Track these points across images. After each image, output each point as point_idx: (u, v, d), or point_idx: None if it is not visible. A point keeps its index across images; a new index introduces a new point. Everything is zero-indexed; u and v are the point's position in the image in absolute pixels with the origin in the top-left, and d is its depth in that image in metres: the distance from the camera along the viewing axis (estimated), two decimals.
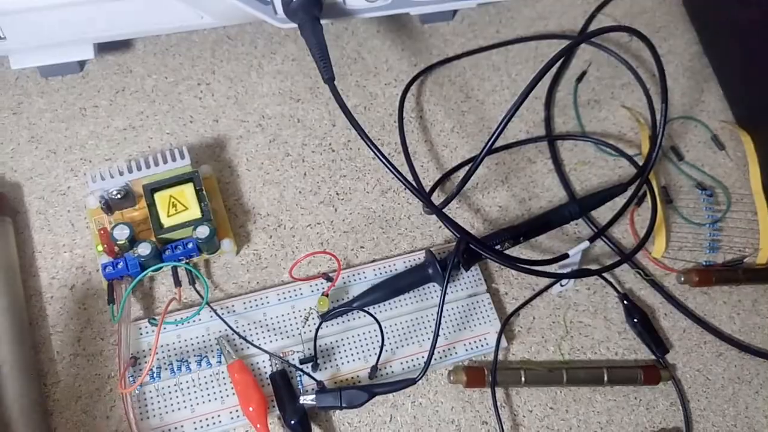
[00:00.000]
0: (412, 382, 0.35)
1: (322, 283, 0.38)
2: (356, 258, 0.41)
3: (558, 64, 0.49)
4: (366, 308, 0.37)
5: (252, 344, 0.36)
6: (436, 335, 0.35)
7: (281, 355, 0.36)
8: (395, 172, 0.35)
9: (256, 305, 0.38)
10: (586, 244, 0.40)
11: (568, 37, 0.50)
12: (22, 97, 0.43)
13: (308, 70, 0.46)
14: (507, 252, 0.40)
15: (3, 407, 0.33)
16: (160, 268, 0.36)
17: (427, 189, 0.42)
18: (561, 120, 0.47)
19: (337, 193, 0.42)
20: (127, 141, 0.42)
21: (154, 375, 0.35)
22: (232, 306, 0.37)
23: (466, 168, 0.44)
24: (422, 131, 0.45)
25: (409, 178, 0.42)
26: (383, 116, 0.45)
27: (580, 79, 0.49)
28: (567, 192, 0.44)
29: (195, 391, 0.35)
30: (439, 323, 0.35)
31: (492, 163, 0.45)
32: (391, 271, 0.40)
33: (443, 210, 0.40)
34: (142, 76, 0.44)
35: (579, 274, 0.40)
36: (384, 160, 0.35)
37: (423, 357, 0.38)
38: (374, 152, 0.35)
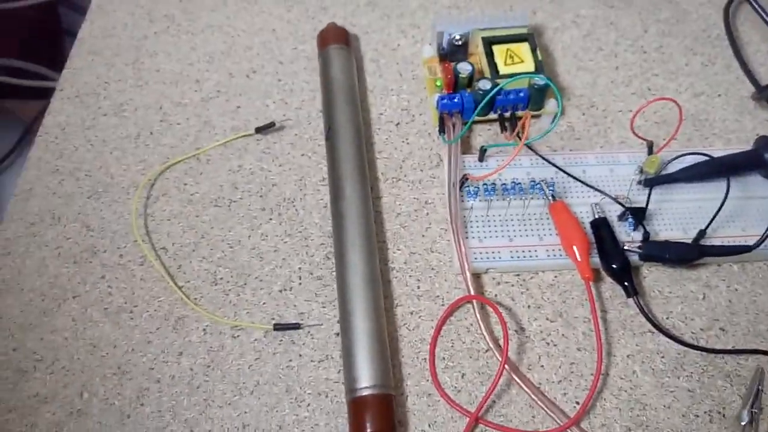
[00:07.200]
0: (747, 249, 0.34)
1: (641, 153, 0.38)
2: (668, 147, 0.40)
3: None
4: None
5: (583, 181, 0.36)
6: None
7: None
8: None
9: (576, 162, 0.38)
10: None
11: None
12: None
13: None
14: None
15: (344, 212, 0.35)
16: (491, 110, 0.38)
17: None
18: None
19: (649, 89, 0.42)
20: (451, 16, 0.45)
21: (487, 190, 0.36)
22: (552, 158, 0.38)
23: None
24: (739, 47, 0.44)
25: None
26: (696, 30, 0.45)
27: None
28: None
29: (515, 223, 0.36)
30: None
31: None
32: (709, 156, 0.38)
33: None
34: None
35: None
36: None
37: (744, 241, 0.36)
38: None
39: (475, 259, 0.35)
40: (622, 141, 0.40)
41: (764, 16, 0.39)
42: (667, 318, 0.35)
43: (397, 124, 0.41)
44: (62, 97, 0.42)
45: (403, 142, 0.40)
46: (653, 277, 0.36)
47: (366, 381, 0.30)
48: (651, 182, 0.36)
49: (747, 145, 0.40)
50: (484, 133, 0.40)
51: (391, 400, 0.30)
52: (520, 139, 0.37)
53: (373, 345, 0.31)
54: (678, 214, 0.36)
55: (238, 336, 0.34)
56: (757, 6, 0.39)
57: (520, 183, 0.36)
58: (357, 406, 0.30)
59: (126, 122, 0.41)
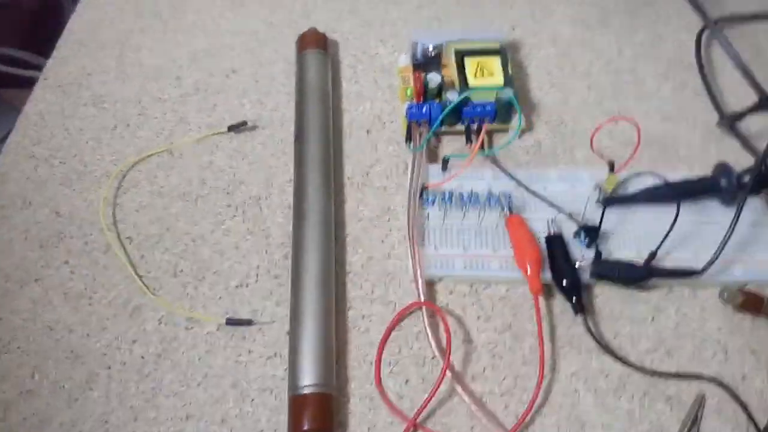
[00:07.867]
0: (696, 272, 0.34)
1: (603, 172, 0.38)
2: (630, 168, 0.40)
3: None
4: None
5: (540, 197, 0.37)
6: (729, 236, 0.34)
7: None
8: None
9: (537, 178, 0.39)
10: None
11: None
12: None
13: (603, 3, 0.48)
14: None
15: (305, 213, 0.36)
16: (459, 121, 0.39)
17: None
18: None
19: (619, 111, 0.43)
20: (429, 28, 0.46)
21: (444, 199, 0.36)
22: (515, 172, 0.39)
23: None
24: (706, 74, 0.45)
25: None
26: (669, 55, 0.46)
27: None
28: None
29: (471, 234, 0.36)
30: (734, 227, 0.34)
31: None
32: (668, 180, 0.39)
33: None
34: None
35: None
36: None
37: (695, 266, 0.36)
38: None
39: (430, 266, 0.35)
40: (587, 160, 0.41)
41: (730, 51, 0.39)
42: (615, 338, 0.35)
43: (368, 130, 0.41)
44: (45, 86, 0.44)
45: (372, 148, 0.41)
46: (606, 296, 0.36)
47: (308, 379, 0.31)
48: (608, 201, 0.37)
49: (710, 171, 0.41)
50: (453, 145, 0.41)
51: (331, 400, 0.31)
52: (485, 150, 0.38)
53: (319, 345, 0.32)
54: (634, 235, 0.37)
55: (192, 328, 0.34)
56: (724, 42, 0.40)
57: (478, 194, 0.37)
58: (297, 404, 0.31)
59: (104, 114, 0.42)
